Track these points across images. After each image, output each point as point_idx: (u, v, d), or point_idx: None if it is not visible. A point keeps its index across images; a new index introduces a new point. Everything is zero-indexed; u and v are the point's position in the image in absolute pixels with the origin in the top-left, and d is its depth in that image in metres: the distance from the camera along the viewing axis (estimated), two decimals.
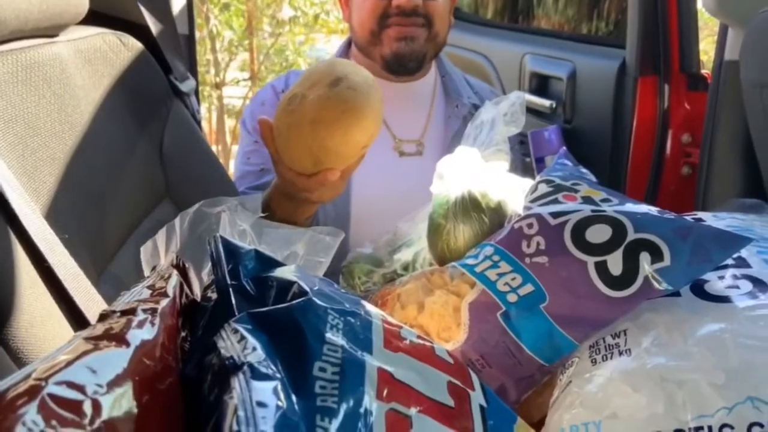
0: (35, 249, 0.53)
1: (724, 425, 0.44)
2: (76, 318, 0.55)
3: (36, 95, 0.74)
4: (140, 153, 0.98)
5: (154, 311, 0.38)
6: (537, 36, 2.01)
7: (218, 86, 6.52)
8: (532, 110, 1.79)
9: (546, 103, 1.75)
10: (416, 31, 1.21)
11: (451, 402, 0.42)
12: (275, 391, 0.33)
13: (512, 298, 0.59)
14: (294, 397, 0.34)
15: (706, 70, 1.48)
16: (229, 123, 6.83)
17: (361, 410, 0.36)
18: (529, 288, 0.59)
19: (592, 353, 0.55)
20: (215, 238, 0.46)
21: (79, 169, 0.76)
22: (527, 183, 0.79)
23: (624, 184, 1.53)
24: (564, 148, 0.87)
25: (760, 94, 1.04)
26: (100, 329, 0.35)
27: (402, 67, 1.25)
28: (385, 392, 0.38)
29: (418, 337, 0.46)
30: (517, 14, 2.28)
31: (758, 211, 0.73)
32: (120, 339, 0.34)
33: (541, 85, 1.84)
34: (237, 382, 0.33)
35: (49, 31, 0.83)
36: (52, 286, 0.53)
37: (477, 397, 0.45)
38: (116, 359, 0.33)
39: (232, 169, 1.32)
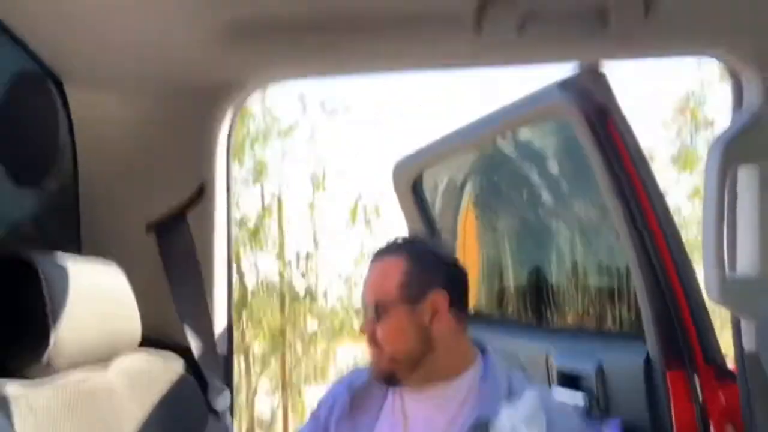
0: None
1: None
2: None
3: (86, 424, 0.78)
4: None
5: None
6: (559, 333, 2.07)
7: (248, 398, 6.53)
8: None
9: (578, 397, 1.73)
10: (374, 356, 1.24)
11: None
12: None
13: None
14: None
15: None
16: None
17: None
18: None
19: None
20: None
21: None
22: None
23: None
24: None
25: None
26: None
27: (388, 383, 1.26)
28: None
29: None
30: (537, 311, 2.38)
31: None
32: None
33: (569, 380, 1.84)
34: None
35: (103, 360, 0.91)
36: None
37: None
38: None
39: None
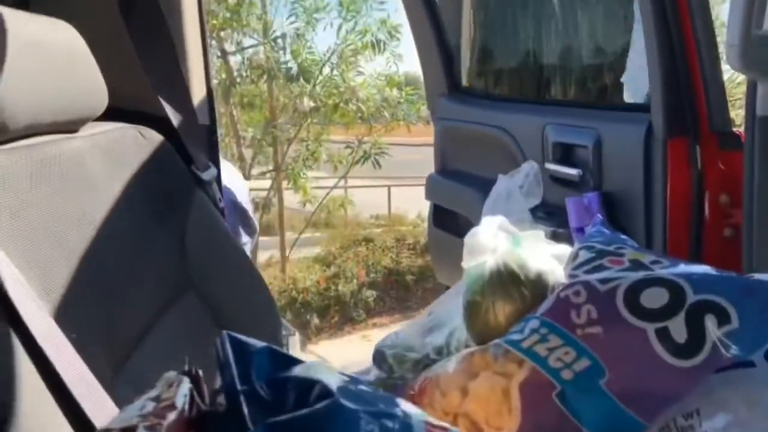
0: (40, 351, 0.49)
1: None
2: (84, 426, 0.50)
3: (52, 191, 0.72)
4: (160, 246, 0.96)
5: (156, 427, 0.33)
6: (556, 107, 2.00)
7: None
8: (558, 179, 1.75)
9: (572, 171, 1.71)
10: None
11: None
12: None
13: (567, 375, 0.53)
14: None
15: (736, 128, 1.44)
16: (255, 216, 6.93)
17: None
18: (585, 362, 0.53)
19: None
20: (222, 337, 0.41)
21: (94, 263, 0.73)
22: (565, 250, 0.74)
23: (664, 251, 1.46)
24: (599, 215, 0.83)
25: None
26: None
27: None
28: None
29: None
30: (535, 88, 2.29)
31: None
32: None
33: (565, 154, 1.80)
34: None
35: (68, 126, 0.83)
36: (57, 392, 0.49)
37: None
38: None
39: None
